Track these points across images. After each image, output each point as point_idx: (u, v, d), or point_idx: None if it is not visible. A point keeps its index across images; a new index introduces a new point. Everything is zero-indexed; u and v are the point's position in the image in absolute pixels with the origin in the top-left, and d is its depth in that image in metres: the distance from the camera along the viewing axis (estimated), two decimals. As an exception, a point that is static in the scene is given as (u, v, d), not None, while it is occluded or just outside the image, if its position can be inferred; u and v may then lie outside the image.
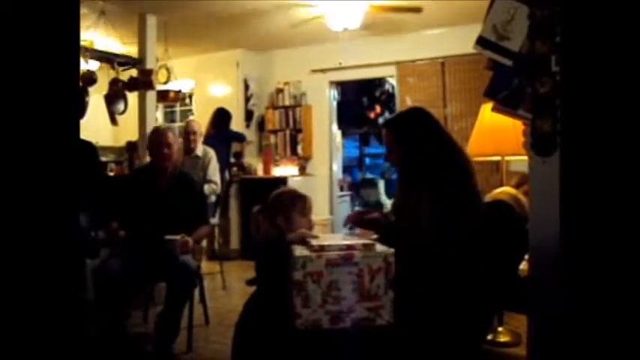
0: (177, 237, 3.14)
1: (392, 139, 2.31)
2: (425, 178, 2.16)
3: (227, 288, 4.81)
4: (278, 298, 1.91)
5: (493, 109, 1.75)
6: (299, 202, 2.23)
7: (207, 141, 5.66)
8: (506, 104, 1.68)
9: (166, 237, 3.13)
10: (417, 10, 4.95)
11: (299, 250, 1.78)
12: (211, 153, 4.95)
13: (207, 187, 4.76)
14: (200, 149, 4.91)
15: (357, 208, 8.39)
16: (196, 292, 3.69)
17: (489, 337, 3.11)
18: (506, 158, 3.32)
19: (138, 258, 3.14)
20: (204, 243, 4.75)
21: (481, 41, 1.70)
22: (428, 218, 2.08)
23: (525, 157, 1.77)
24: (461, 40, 5.65)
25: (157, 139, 3.44)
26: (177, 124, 7.65)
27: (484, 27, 1.70)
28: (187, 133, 4.87)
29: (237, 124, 6.80)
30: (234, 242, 6.55)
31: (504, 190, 2.97)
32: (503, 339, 3.15)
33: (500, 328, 3.18)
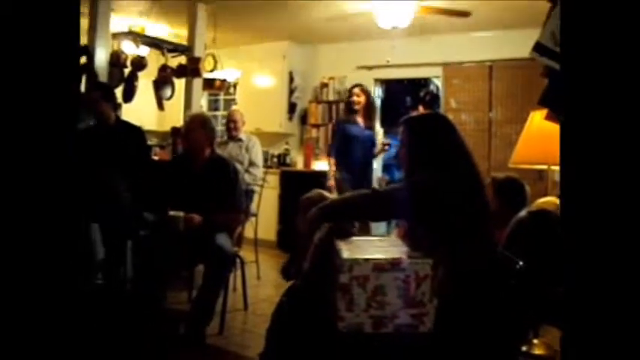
0: (181, 213, 3.15)
1: (407, 136, 2.27)
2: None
3: (261, 277, 4.86)
4: (318, 297, 1.91)
5: (546, 118, 1.72)
6: None
7: None
8: (560, 113, 1.65)
9: (170, 213, 3.15)
10: (465, 14, 4.88)
11: (347, 253, 1.77)
12: (254, 139, 5.20)
13: (247, 176, 4.84)
14: (244, 135, 5.16)
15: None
16: (232, 278, 3.76)
17: (524, 348, 3.06)
18: (552, 167, 3.26)
19: (176, 240, 3.19)
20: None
21: (538, 48, 1.66)
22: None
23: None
24: (510, 45, 5.61)
25: (185, 125, 3.69)
26: (220, 113, 7.75)
27: (542, 33, 1.66)
28: (228, 122, 5.22)
29: (280, 116, 6.91)
30: (271, 233, 6.53)
31: (549, 200, 2.92)
32: (537, 352, 3.09)
33: (535, 341, 3.13)
